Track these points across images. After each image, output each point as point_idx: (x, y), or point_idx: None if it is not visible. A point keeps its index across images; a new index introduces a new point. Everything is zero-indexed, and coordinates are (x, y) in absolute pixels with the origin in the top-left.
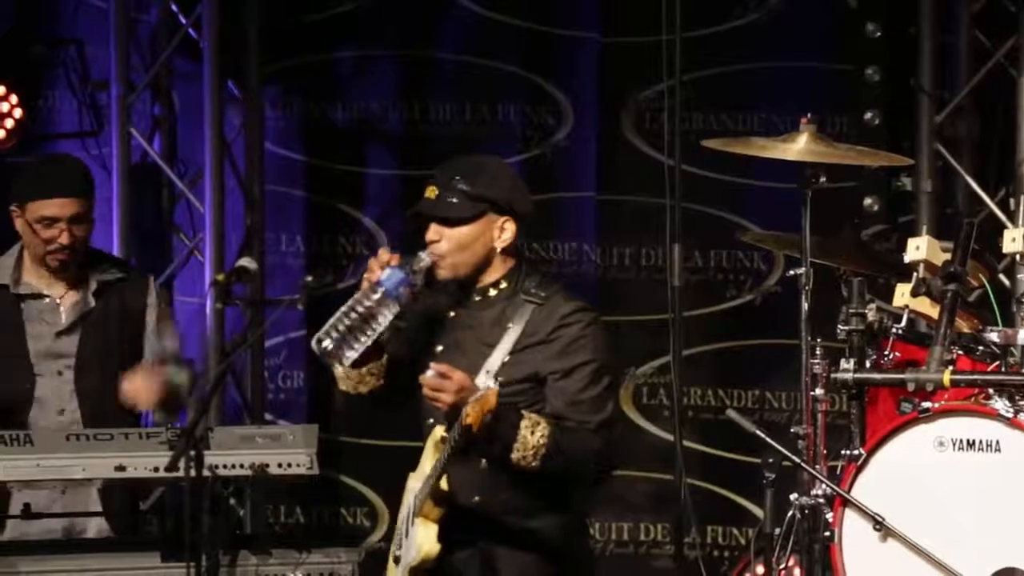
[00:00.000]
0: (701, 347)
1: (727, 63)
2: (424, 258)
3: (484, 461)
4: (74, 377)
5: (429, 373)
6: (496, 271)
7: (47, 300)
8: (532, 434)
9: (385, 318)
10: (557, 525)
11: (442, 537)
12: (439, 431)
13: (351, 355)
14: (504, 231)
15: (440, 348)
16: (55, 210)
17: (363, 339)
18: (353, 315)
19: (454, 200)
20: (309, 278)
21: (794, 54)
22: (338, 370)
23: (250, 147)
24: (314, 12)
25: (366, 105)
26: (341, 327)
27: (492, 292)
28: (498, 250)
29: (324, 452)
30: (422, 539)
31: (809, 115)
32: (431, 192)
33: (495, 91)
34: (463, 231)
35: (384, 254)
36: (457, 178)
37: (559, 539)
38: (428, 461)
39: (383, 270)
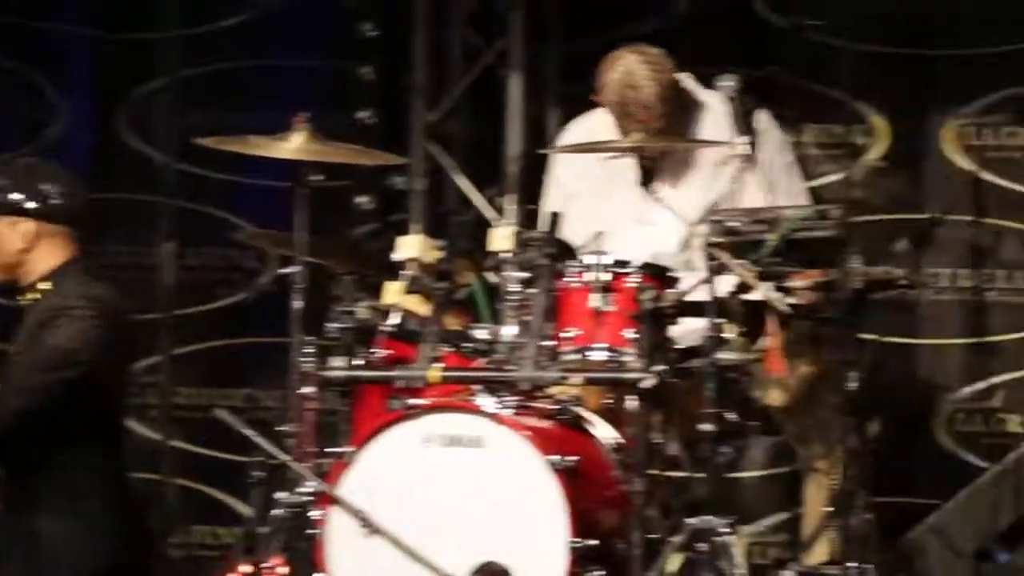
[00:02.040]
0: (193, 346)
1: (225, 60)
2: None
3: None
4: None
5: None
6: (31, 273)
7: None
8: None
9: None
10: (58, 530)
11: None
12: None
13: None
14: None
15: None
16: None
17: None
18: None
19: None
20: None
21: (291, 52)
22: None
23: None
24: None
25: None
26: None
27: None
28: (15, 249)
29: None
30: None
31: (304, 113)
32: None
33: None
34: None
35: None
36: None
37: (56, 547)
38: None
39: None
